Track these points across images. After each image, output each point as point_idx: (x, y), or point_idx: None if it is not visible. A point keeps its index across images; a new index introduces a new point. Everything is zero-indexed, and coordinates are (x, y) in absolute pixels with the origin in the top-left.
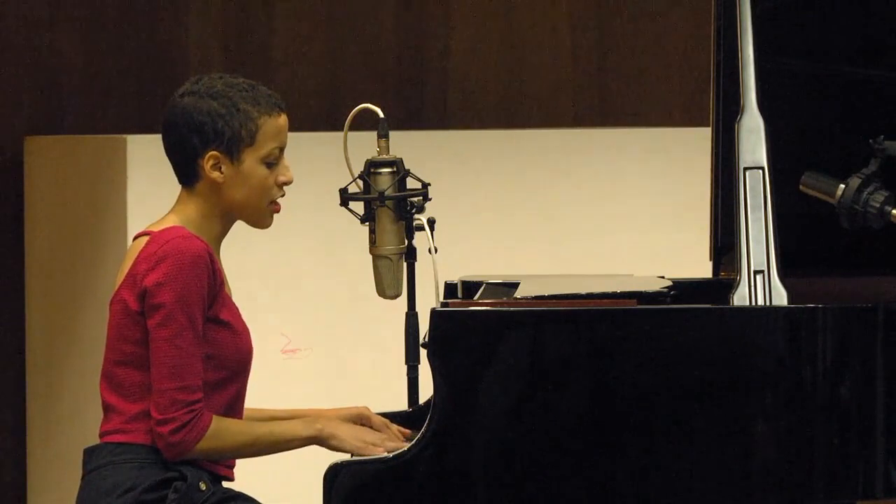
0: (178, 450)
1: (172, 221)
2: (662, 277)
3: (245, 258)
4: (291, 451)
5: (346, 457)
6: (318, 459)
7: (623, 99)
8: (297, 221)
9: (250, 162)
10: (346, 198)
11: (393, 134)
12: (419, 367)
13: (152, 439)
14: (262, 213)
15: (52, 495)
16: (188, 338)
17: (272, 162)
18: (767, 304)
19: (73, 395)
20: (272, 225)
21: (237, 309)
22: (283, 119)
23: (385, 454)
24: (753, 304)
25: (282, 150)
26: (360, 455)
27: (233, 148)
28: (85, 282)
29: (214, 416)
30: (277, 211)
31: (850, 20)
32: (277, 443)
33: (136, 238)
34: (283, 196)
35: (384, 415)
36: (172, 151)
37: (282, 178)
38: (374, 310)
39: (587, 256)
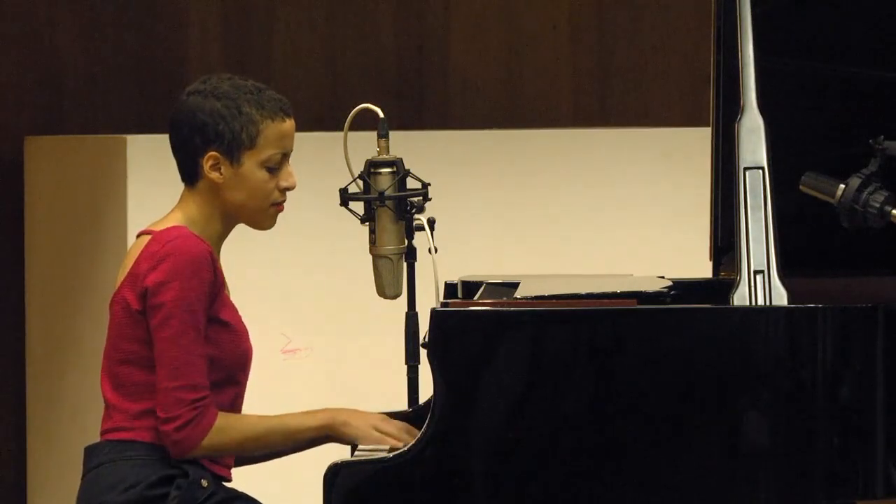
0: (183, 447)
1: (175, 220)
2: (662, 277)
3: (245, 258)
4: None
5: (347, 455)
6: (319, 459)
7: (623, 99)
8: (297, 221)
9: (250, 165)
10: (346, 198)
11: (393, 134)
12: (419, 367)
13: (155, 437)
14: (262, 216)
15: (53, 495)
16: (190, 337)
17: (274, 167)
18: (767, 304)
19: (74, 395)
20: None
21: (236, 310)
22: (287, 124)
23: (386, 453)
24: (753, 304)
25: (286, 155)
26: (374, 445)
27: (233, 150)
28: (85, 282)
29: (220, 412)
30: (281, 210)
31: (850, 20)
32: (288, 434)
33: (138, 236)
34: (284, 200)
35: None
36: (176, 149)
37: (283, 184)
38: (374, 310)
39: (587, 256)
